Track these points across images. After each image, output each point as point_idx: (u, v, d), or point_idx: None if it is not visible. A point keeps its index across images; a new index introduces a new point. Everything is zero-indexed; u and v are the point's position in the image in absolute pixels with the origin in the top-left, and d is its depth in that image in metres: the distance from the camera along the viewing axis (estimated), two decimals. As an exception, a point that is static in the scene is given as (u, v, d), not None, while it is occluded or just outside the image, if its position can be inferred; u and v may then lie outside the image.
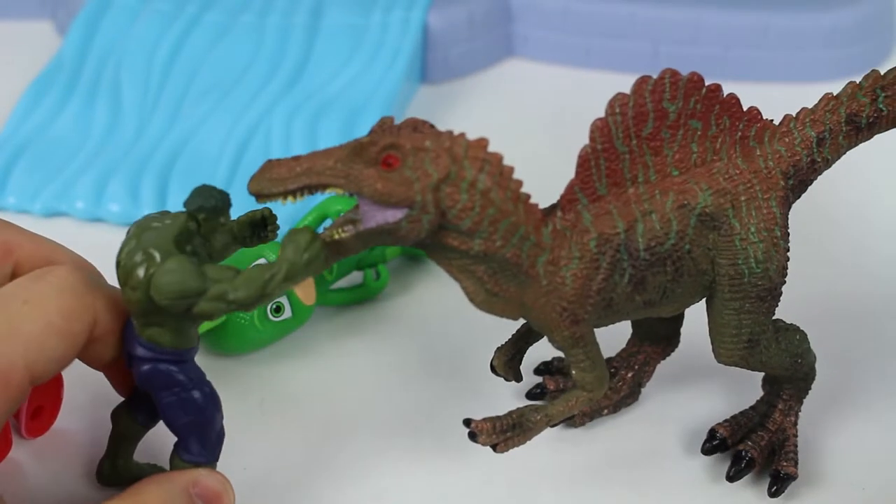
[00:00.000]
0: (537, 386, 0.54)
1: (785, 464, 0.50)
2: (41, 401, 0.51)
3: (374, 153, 0.43)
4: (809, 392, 0.51)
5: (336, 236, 0.43)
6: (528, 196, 0.44)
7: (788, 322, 0.50)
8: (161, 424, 0.46)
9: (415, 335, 0.58)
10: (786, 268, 0.47)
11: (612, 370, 0.54)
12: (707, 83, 0.46)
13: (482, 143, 0.43)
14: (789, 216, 0.48)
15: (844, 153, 0.49)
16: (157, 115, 0.69)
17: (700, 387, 0.55)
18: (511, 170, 0.43)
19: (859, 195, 0.67)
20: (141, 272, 0.42)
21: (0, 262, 0.46)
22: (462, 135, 0.43)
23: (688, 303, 0.48)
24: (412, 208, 0.42)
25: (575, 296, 0.45)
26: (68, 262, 0.47)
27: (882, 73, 0.49)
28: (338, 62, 0.73)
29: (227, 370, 0.55)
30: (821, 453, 0.52)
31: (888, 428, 0.54)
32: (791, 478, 0.50)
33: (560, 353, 0.52)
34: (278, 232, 0.48)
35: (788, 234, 0.47)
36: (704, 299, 0.48)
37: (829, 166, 0.49)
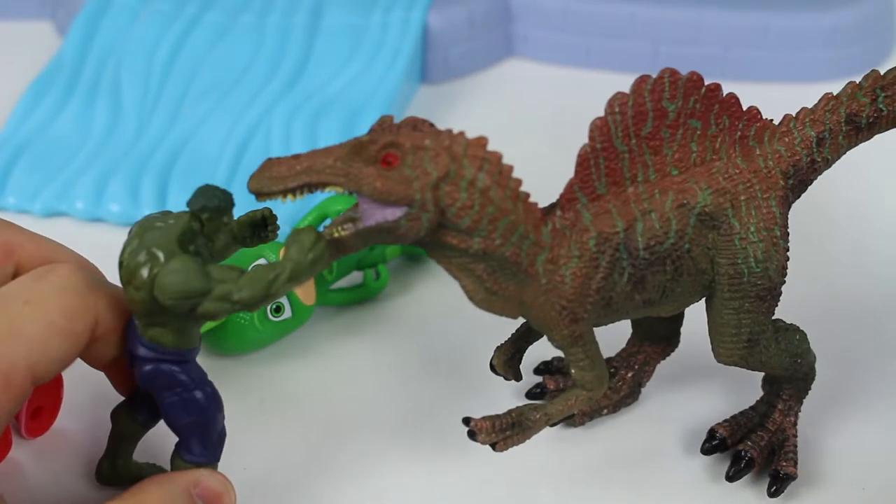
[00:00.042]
0: (537, 385, 0.54)
1: (784, 464, 0.50)
2: (41, 401, 0.51)
3: (374, 151, 0.43)
4: (809, 392, 0.51)
5: (336, 234, 0.43)
6: (527, 195, 0.44)
7: (788, 322, 0.50)
8: (161, 424, 0.46)
9: (415, 335, 0.58)
10: (785, 267, 0.47)
11: (612, 370, 0.54)
12: (706, 83, 0.46)
13: (481, 141, 0.43)
14: (789, 216, 0.48)
15: (844, 153, 0.49)
16: (157, 115, 0.69)
17: (700, 387, 0.55)
18: (510, 168, 0.43)
19: (859, 195, 0.67)
20: (145, 272, 0.42)
21: (1, 263, 0.46)
22: (461, 133, 0.43)
23: (687, 302, 0.48)
24: (411, 206, 0.42)
25: (574, 294, 0.45)
26: (70, 261, 0.47)
27: (882, 73, 0.49)
28: (338, 62, 0.73)
29: (227, 370, 0.55)
30: (821, 453, 0.52)
31: (888, 428, 0.54)
32: (790, 478, 0.50)
33: (560, 353, 0.52)
34: (278, 232, 0.48)
35: (788, 234, 0.47)
36: (704, 299, 0.48)
37: (829, 166, 0.49)
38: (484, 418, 0.46)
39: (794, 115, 0.49)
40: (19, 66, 0.75)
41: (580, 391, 0.47)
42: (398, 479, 0.51)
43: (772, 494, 0.50)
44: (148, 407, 0.47)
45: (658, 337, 0.54)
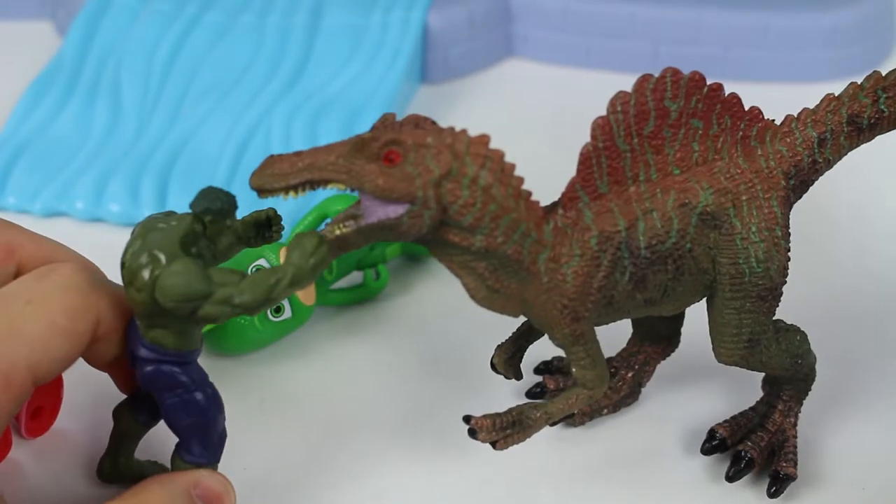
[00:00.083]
0: (537, 385, 0.54)
1: (784, 464, 0.50)
2: (41, 401, 0.51)
3: (376, 149, 0.43)
4: (809, 393, 0.51)
5: (338, 231, 0.43)
6: (529, 193, 0.44)
7: (789, 322, 0.50)
8: (162, 423, 0.46)
9: (415, 335, 0.58)
10: (787, 268, 0.47)
11: (613, 370, 0.54)
12: (708, 82, 0.46)
13: (484, 139, 0.43)
14: (790, 216, 0.48)
15: (846, 154, 0.49)
16: (157, 115, 0.69)
17: (700, 387, 0.55)
18: (512, 167, 0.43)
19: (861, 196, 0.67)
20: (146, 274, 0.42)
21: (2, 263, 0.46)
22: (464, 131, 0.43)
23: (688, 302, 0.48)
24: (413, 204, 0.42)
25: (576, 293, 0.45)
26: (72, 261, 0.47)
27: (883, 73, 0.49)
28: (338, 62, 0.73)
29: (227, 370, 0.55)
30: (821, 453, 0.52)
31: (888, 428, 0.54)
32: (790, 478, 0.50)
33: (560, 353, 0.52)
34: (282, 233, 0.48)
35: (789, 234, 0.47)
36: (705, 299, 0.48)
37: (831, 167, 0.49)
38: (484, 416, 0.46)
39: (795, 115, 0.49)
40: (19, 66, 0.75)
41: (581, 390, 0.47)
42: (398, 479, 0.51)
43: (772, 495, 0.50)
44: (149, 406, 0.47)
45: (658, 337, 0.54)
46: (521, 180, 0.44)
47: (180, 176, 0.65)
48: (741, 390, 0.54)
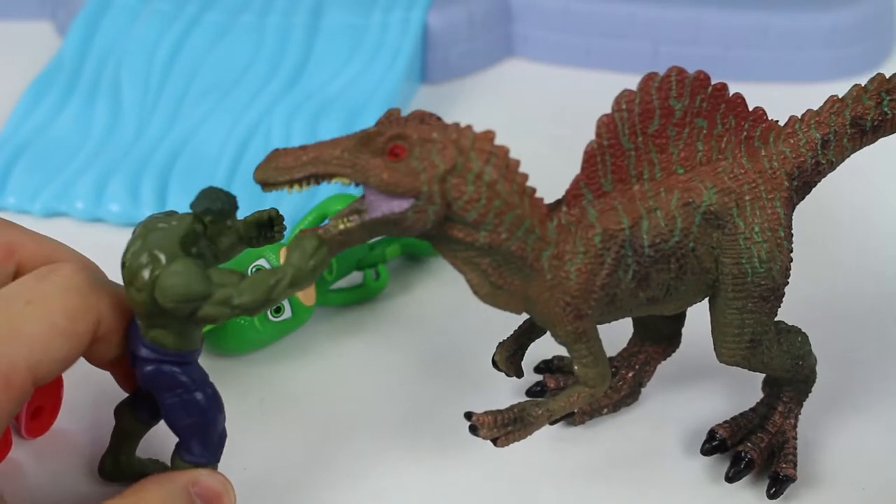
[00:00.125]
0: (537, 384, 0.54)
1: (784, 465, 0.50)
2: (41, 401, 0.51)
3: (381, 143, 0.43)
4: (809, 395, 0.51)
5: (342, 226, 0.43)
6: (533, 189, 0.44)
7: (791, 323, 0.50)
8: (164, 422, 0.46)
9: (415, 335, 0.58)
10: (789, 268, 0.47)
11: (613, 369, 0.54)
12: (713, 82, 0.46)
13: (489, 135, 0.43)
14: (793, 217, 0.48)
15: (849, 156, 0.49)
16: (157, 115, 0.69)
17: (700, 387, 0.55)
18: (517, 163, 0.43)
19: (863, 198, 0.67)
20: (146, 274, 0.42)
21: (2, 263, 0.46)
22: (469, 127, 0.43)
23: (691, 301, 0.48)
24: (418, 199, 0.42)
25: (579, 291, 0.45)
26: (73, 261, 0.47)
27: (883, 74, 0.49)
28: (338, 62, 0.73)
29: (227, 370, 0.55)
30: (821, 454, 0.52)
31: (888, 428, 0.54)
32: (790, 480, 0.50)
33: (560, 351, 0.52)
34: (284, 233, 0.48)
35: (792, 235, 0.47)
36: (707, 299, 0.48)
37: (834, 168, 0.49)
38: (486, 413, 0.46)
39: (799, 116, 0.49)
40: (19, 66, 0.75)
41: (582, 388, 0.47)
42: (398, 479, 0.51)
43: (771, 496, 0.50)
44: (150, 406, 0.47)
45: (659, 337, 0.54)
46: (525, 177, 0.44)
47: (180, 176, 0.65)
48: (741, 391, 0.54)
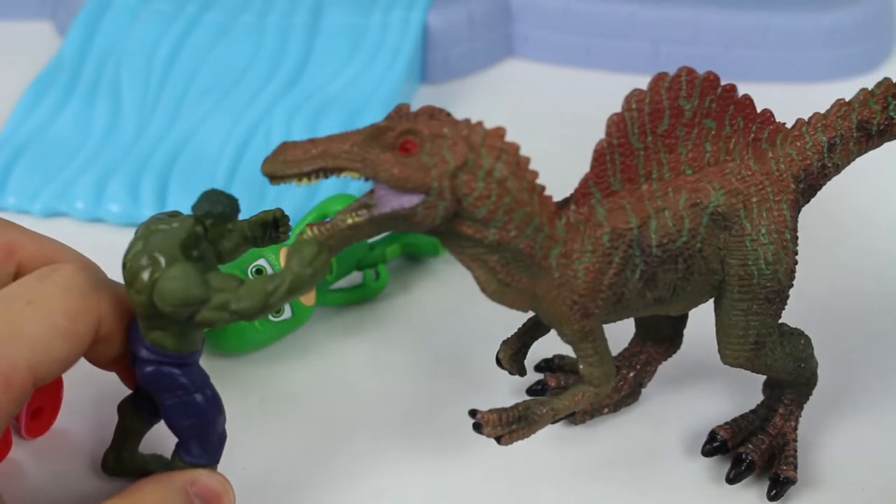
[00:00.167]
0: (538, 382, 0.54)
1: (785, 467, 0.50)
2: (41, 401, 0.51)
3: (392, 138, 0.42)
4: (810, 398, 0.51)
5: (350, 221, 0.43)
6: (543, 187, 0.44)
7: (793, 326, 0.50)
8: (165, 420, 0.46)
9: (415, 335, 0.58)
10: (794, 270, 0.47)
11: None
12: (722, 83, 0.46)
13: (499, 132, 0.43)
14: (798, 220, 0.48)
15: (854, 159, 0.49)
16: (157, 115, 0.69)
17: (701, 388, 0.55)
18: (527, 160, 0.43)
19: (868, 202, 0.66)
20: (146, 276, 0.42)
21: (3, 263, 0.46)
22: (480, 123, 0.43)
23: (697, 301, 0.48)
24: (428, 194, 0.42)
25: (586, 289, 0.45)
26: (73, 261, 0.47)
27: (883, 75, 0.49)
28: (338, 62, 0.73)
29: (227, 370, 0.55)
30: (821, 454, 0.52)
31: (888, 428, 0.54)
32: (790, 481, 0.50)
33: (561, 350, 0.52)
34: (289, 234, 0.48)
35: (797, 238, 0.48)
36: (711, 300, 0.48)
37: (839, 172, 0.49)
38: (490, 411, 0.46)
39: (806, 119, 0.49)
40: (19, 66, 0.75)
41: (587, 387, 0.47)
42: (398, 479, 0.51)
43: (772, 498, 0.50)
44: (151, 405, 0.46)
45: (661, 337, 0.54)
46: (535, 174, 0.44)
47: (180, 176, 0.65)
48: (742, 392, 0.54)
